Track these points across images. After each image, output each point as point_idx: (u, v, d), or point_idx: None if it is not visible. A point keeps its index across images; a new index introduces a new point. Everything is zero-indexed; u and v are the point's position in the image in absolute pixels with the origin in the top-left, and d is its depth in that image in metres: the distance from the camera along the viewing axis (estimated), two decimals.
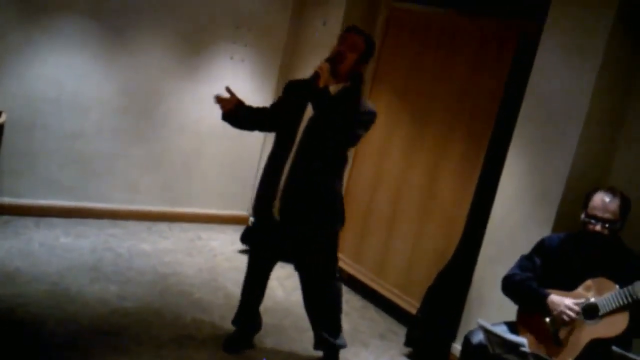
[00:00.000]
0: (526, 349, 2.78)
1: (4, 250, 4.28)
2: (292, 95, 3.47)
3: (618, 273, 2.87)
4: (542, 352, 2.92)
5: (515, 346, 2.78)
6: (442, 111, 4.45)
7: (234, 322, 3.76)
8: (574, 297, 2.92)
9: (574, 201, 3.42)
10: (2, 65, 4.63)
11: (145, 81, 5.21)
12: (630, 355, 2.55)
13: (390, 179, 4.76)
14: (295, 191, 3.33)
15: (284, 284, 4.74)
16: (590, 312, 2.85)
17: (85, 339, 3.43)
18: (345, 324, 3.76)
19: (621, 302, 2.75)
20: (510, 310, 3.16)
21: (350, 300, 4.70)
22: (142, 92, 5.22)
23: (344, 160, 3.46)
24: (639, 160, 3.52)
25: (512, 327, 3.11)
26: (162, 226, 5.45)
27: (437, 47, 4.56)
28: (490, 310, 3.77)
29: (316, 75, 3.18)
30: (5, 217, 4.78)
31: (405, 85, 4.76)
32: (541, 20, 3.75)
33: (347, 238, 4.83)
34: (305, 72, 5.37)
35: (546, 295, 2.95)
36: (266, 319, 3.91)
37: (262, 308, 3.79)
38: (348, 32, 3.39)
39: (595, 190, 3.04)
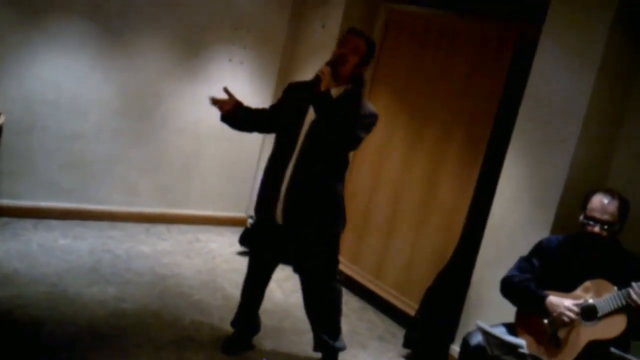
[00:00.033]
0: (525, 351, 2.78)
1: (2, 252, 4.28)
2: (293, 97, 3.47)
3: (616, 274, 2.87)
4: (540, 354, 2.93)
5: (514, 347, 2.78)
6: (441, 113, 4.46)
7: (232, 323, 3.76)
8: (573, 299, 2.92)
9: (572, 203, 3.43)
10: (1, 66, 4.63)
11: (144, 83, 5.21)
12: (629, 356, 2.55)
13: (389, 180, 4.77)
14: (297, 194, 3.33)
15: (283, 285, 4.74)
16: (588, 313, 2.85)
17: (84, 341, 3.43)
18: (344, 325, 3.76)
19: (619, 304, 2.75)
20: (508, 311, 3.16)
21: (348, 302, 4.70)
22: (140, 94, 5.22)
23: (345, 163, 3.47)
24: (638, 162, 3.53)
25: (511, 328, 3.11)
26: (161, 228, 5.45)
27: (436, 48, 4.57)
28: (488, 312, 3.77)
29: (317, 79, 3.17)
30: (4, 219, 4.77)
31: (404, 87, 4.76)
32: (540, 21, 3.75)
33: (346, 239, 4.82)
34: (304, 73, 5.38)
35: (545, 297, 2.95)
36: (265, 320, 3.91)
37: (261, 310, 3.79)
38: (349, 34, 3.39)
39: (593, 191, 3.04)
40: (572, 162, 3.51)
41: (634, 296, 2.69)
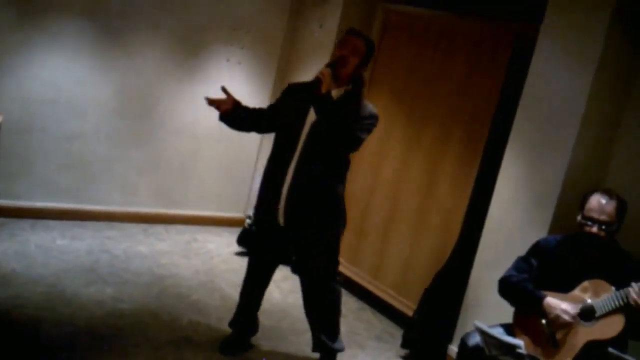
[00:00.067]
0: (522, 351, 2.78)
1: (0, 252, 4.27)
2: (292, 98, 3.46)
3: (614, 275, 2.88)
4: (538, 354, 2.93)
5: (512, 348, 2.79)
6: (439, 113, 4.46)
7: (231, 324, 3.75)
8: (571, 299, 2.92)
9: (570, 203, 3.43)
10: (0, 66, 4.62)
11: (142, 83, 5.20)
12: (627, 356, 2.56)
13: (387, 181, 4.77)
14: (298, 195, 3.33)
15: (281, 286, 4.74)
16: (586, 313, 2.86)
17: (82, 341, 3.42)
18: (342, 325, 3.76)
19: (617, 304, 2.76)
20: (506, 312, 3.16)
21: (346, 302, 4.69)
22: (139, 94, 5.22)
23: (346, 164, 3.46)
24: (636, 162, 3.53)
25: (509, 329, 3.11)
26: (159, 228, 5.44)
27: (434, 49, 4.57)
28: (486, 312, 3.77)
29: (318, 81, 3.17)
30: (2, 219, 4.77)
31: (402, 88, 4.76)
32: (538, 21, 3.75)
33: (344, 240, 4.80)
34: (302, 74, 5.39)
35: (542, 298, 2.95)
36: (263, 320, 3.91)
37: (259, 310, 3.78)
38: (348, 35, 3.38)
39: (591, 192, 3.04)
40: (570, 162, 3.51)
41: (634, 296, 2.70)
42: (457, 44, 4.42)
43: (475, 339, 3.04)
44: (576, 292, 2.94)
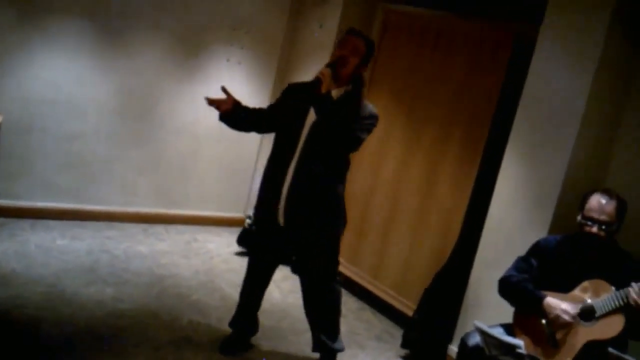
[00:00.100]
0: (522, 351, 2.78)
1: (0, 252, 4.27)
2: (292, 98, 3.46)
3: (614, 275, 2.88)
4: (538, 354, 2.93)
5: (512, 348, 2.79)
6: (439, 113, 4.46)
7: (231, 324, 3.75)
8: (571, 299, 2.92)
9: (570, 203, 3.43)
10: (0, 66, 4.64)
11: (142, 83, 5.20)
12: (626, 356, 2.56)
13: (387, 181, 4.77)
14: (298, 195, 3.33)
15: (281, 286, 4.74)
16: (586, 313, 2.86)
17: (82, 341, 3.42)
18: (342, 325, 3.76)
19: (617, 304, 2.76)
20: (506, 312, 3.16)
21: (346, 302, 4.69)
22: (139, 94, 5.22)
23: (346, 164, 3.46)
24: (636, 162, 3.53)
25: (509, 329, 3.11)
26: (159, 228, 5.45)
27: (433, 49, 4.57)
28: (486, 312, 3.77)
29: (318, 81, 3.16)
30: (2, 219, 4.77)
31: (402, 88, 4.76)
32: (538, 21, 3.75)
33: (344, 240, 4.80)
34: (302, 74, 5.39)
35: (542, 298, 2.95)
36: (263, 320, 3.91)
37: (259, 310, 3.78)
38: (348, 35, 3.38)
39: (591, 192, 3.04)
40: (570, 162, 3.51)
41: (634, 296, 2.70)
42: (457, 44, 4.42)
43: (475, 339, 3.04)
44: (576, 292, 2.94)
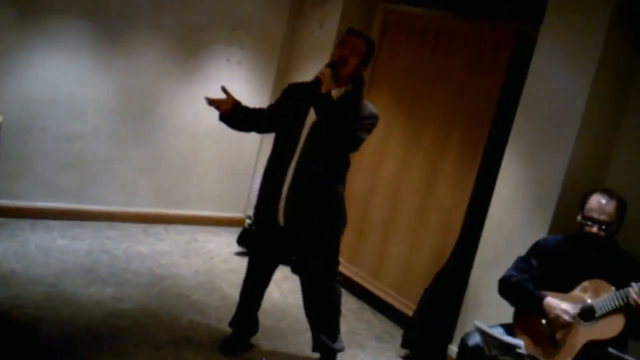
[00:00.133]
0: (522, 351, 2.78)
1: (0, 252, 4.27)
2: (292, 98, 3.46)
3: (614, 275, 2.88)
4: (538, 354, 2.93)
5: (512, 348, 2.79)
6: (439, 113, 4.46)
7: (231, 324, 3.75)
8: (571, 299, 2.92)
9: (570, 203, 3.43)
10: (0, 67, 4.63)
11: (142, 83, 5.21)
12: (626, 356, 2.56)
13: (387, 181, 4.77)
14: (298, 195, 3.33)
15: (281, 286, 4.74)
16: (586, 314, 2.86)
17: (82, 341, 3.42)
18: (342, 326, 3.76)
19: (617, 304, 2.76)
20: (506, 312, 3.16)
21: (346, 302, 4.69)
22: (139, 94, 5.22)
23: (346, 164, 3.46)
24: (636, 162, 3.53)
25: (509, 329, 3.11)
26: (159, 228, 5.45)
27: (433, 49, 4.57)
28: (486, 312, 3.77)
29: (318, 81, 3.16)
30: (2, 219, 4.77)
31: (402, 88, 4.76)
32: (538, 21, 3.76)
33: (344, 240, 4.80)
34: (302, 74, 5.39)
35: (542, 298, 2.95)
36: (263, 320, 3.91)
37: (259, 310, 3.78)
38: (348, 35, 3.37)
39: (591, 192, 3.04)
40: (570, 162, 3.51)
41: (634, 296, 2.70)
42: (457, 44, 4.42)
43: (475, 339, 3.04)
44: (576, 292, 2.94)
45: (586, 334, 2.83)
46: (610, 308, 2.78)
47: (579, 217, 3.03)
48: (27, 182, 4.91)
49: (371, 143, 4.77)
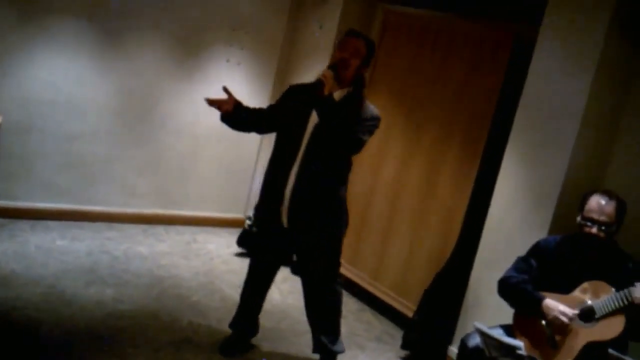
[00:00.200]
0: (522, 352, 2.78)
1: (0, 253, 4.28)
2: (293, 100, 3.45)
3: (614, 275, 2.88)
4: (538, 356, 2.93)
5: (512, 349, 2.79)
6: (438, 114, 4.46)
7: (231, 325, 3.75)
8: (570, 300, 2.92)
9: (570, 203, 3.43)
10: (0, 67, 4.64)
11: (141, 84, 5.20)
12: (627, 358, 2.56)
13: (387, 182, 4.77)
14: (301, 197, 3.32)
15: (281, 287, 4.73)
16: (586, 315, 2.86)
17: (81, 342, 3.42)
18: (342, 327, 3.75)
19: (618, 305, 2.75)
20: (506, 313, 3.16)
21: (346, 303, 4.68)
22: (138, 95, 5.22)
23: (348, 166, 3.46)
24: (636, 163, 3.53)
25: (509, 330, 3.11)
26: (159, 229, 5.44)
27: (433, 49, 4.57)
28: (486, 313, 3.77)
29: (320, 84, 3.16)
30: (1, 220, 4.77)
31: (401, 88, 4.76)
32: (538, 22, 3.76)
33: (344, 241, 4.82)
34: (301, 74, 5.38)
35: (541, 299, 2.94)
36: (263, 322, 3.90)
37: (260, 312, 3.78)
38: (348, 36, 3.37)
39: (591, 192, 3.04)
40: (570, 162, 3.51)
41: (638, 295, 2.69)
42: (456, 45, 4.42)
43: (475, 340, 3.04)
44: (576, 293, 2.94)
45: (586, 335, 2.83)
46: (611, 309, 2.78)
47: (578, 218, 3.03)
48: (27, 182, 4.91)
49: (371, 144, 4.73)
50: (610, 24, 3.40)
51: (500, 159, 3.89)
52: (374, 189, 4.86)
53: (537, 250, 3.20)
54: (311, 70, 5.23)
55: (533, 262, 3.15)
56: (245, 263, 3.79)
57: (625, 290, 2.74)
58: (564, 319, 2.86)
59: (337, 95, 3.30)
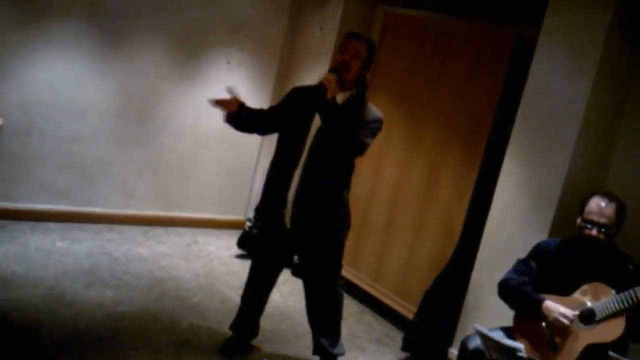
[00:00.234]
0: (523, 354, 2.78)
1: (0, 255, 4.27)
2: (295, 102, 3.44)
3: (614, 277, 2.87)
4: (538, 358, 2.92)
5: (512, 351, 2.79)
6: (439, 115, 4.46)
7: (232, 327, 3.75)
8: (570, 302, 2.92)
9: (570, 205, 3.42)
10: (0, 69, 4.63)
11: (142, 85, 5.21)
12: None
13: (388, 183, 4.77)
14: (304, 200, 3.32)
15: (281, 289, 4.73)
16: (586, 317, 2.85)
17: (81, 344, 3.42)
18: (342, 328, 3.75)
19: (618, 307, 2.75)
20: (507, 315, 3.16)
21: (347, 305, 4.67)
22: (138, 96, 5.22)
23: (351, 169, 3.46)
24: (636, 165, 3.53)
25: (509, 332, 3.10)
26: (159, 231, 5.44)
27: (433, 51, 4.57)
28: (487, 315, 3.77)
29: (323, 88, 3.16)
30: (2, 222, 4.77)
31: (401, 90, 4.76)
32: (538, 23, 3.75)
33: (345, 243, 4.82)
34: (302, 76, 5.39)
35: (541, 301, 2.94)
36: (263, 323, 3.89)
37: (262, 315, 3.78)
38: (349, 39, 3.36)
39: (591, 194, 3.04)
40: (570, 164, 3.51)
41: None
42: (457, 46, 4.41)
43: (475, 342, 3.03)
44: (576, 295, 2.93)
45: (586, 337, 2.82)
46: (611, 311, 2.77)
47: (578, 220, 3.03)
48: (27, 184, 4.91)
49: (372, 145, 4.74)
50: (611, 24, 3.40)
51: (501, 160, 3.89)
52: (375, 190, 4.86)
53: (537, 252, 3.19)
54: (312, 72, 5.24)
55: (533, 264, 3.14)
56: (245, 265, 3.79)
57: (631, 291, 2.72)
58: (565, 321, 2.85)
59: (340, 98, 3.30)
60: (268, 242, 3.57)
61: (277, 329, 4.12)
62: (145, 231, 5.35)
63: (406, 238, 4.57)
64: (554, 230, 3.53)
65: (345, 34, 3.46)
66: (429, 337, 4.05)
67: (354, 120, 3.25)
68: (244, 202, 5.94)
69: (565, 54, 3.58)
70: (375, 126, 3.35)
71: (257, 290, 3.69)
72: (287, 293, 4.70)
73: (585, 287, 2.92)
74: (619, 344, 2.77)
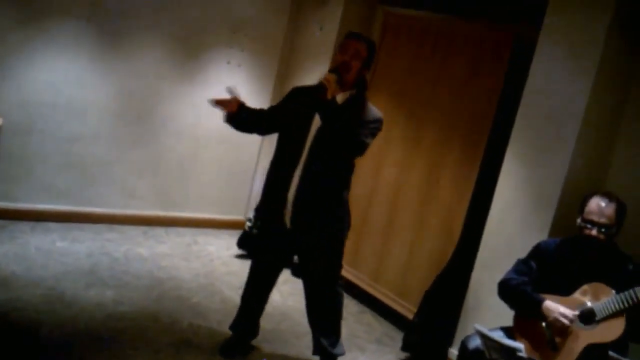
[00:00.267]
0: (523, 354, 2.78)
1: (0, 255, 4.27)
2: (295, 102, 3.44)
3: (614, 277, 2.87)
4: (538, 358, 2.92)
5: (512, 351, 2.79)
6: (439, 115, 4.46)
7: (232, 327, 3.75)
8: (570, 302, 2.92)
9: (571, 205, 3.42)
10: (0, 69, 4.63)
11: (142, 85, 5.20)
12: None
13: (388, 183, 4.76)
14: (304, 200, 3.32)
15: (281, 289, 4.73)
16: (586, 317, 2.85)
17: (81, 344, 3.42)
18: (342, 328, 3.75)
19: (618, 307, 2.74)
20: (507, 315, 3.16)
21: (347, 305, 4.67)
22: (138, 97, 5.22)
23: (351, 169, 3.46)
24: (636, 165, 3.53)
25: (509, 332, 3.10)
26: (159, 231, 5.44)
27: (433, 51, 4.57)
28: (487, 315, 3.77)
29: (323, 88, 3.16)
30: (2, 222, 4.77)
31: (401, 90, 4.76)
32: (538, 23, 3.75)
33: (345, 243, 4.82)
34: (302, 76, 5.39)
35: (541, 301, 2.94)
36: (263, 323, 3.89)
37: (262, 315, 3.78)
38: (349, 39, 3.36)
39: (591, 194, 3.04)
40: (570, 164, 3.51)
41: None
42: (457, 46, 4.41)
43: (475, 342, 3.03)
44: (576, 295, 2.93)
45: (586, 337, 2.82)
46: (611, 311, 2.77)
47: (578, 220, 3.03)
48: (27, 184, 4.91)
49: (372, 145, 4.75)
50: (611, 24, 3.40)
51: (501, 160, 3.89)
52: (375, 190, 4.86)
53: (537, 252, 3.19)
54: (312, 72, 5.24)
55: (533, 264, 3.14)
56: (245, 265, 3.79)
57: (631, 291, 2.72)
58: (565, 321, 2.85)
59: (340, 98, 3.30)
60: (268, 242, 3.57)
61: (277, 329, 4.12)
62: (145, 231, 5.35)
63: (406, 238, 4.57)
64: (554, 230, 3.53)
65: (345, 34, 3.46)
66: (429, 337, 4.05)
67: (354, 120, 3.25)
68: (244, 202, 5.94)
69: (565, 54, 3.58)
70: (375, 126, 3.35)
71: (257, 290, 3.69)
72: (287, 293, 4.70)
73: (585, 287, 2.92)
74: (619, 344, 2.77)
